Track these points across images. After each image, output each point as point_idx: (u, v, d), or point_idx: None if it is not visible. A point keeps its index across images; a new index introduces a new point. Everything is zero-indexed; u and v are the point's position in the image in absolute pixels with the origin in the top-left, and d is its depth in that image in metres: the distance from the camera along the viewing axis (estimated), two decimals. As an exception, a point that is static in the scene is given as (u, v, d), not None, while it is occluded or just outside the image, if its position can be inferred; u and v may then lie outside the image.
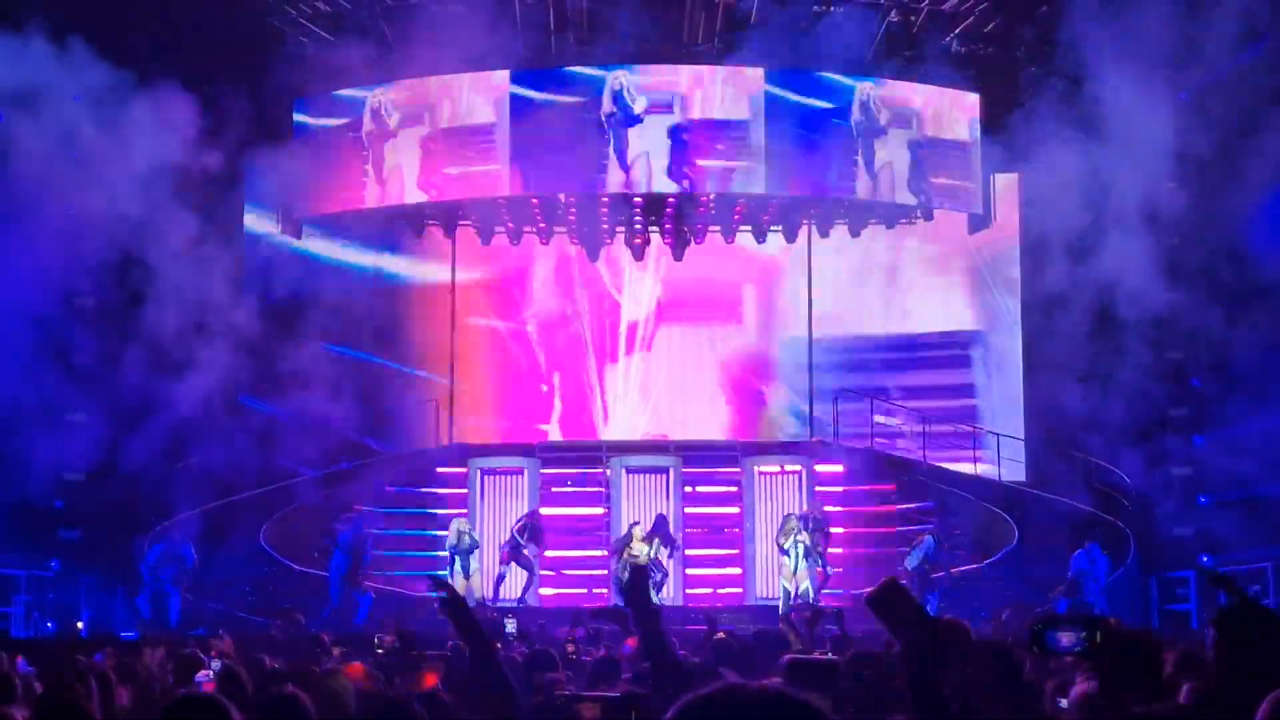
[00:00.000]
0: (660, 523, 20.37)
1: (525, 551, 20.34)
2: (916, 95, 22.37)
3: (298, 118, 22.65)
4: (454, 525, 20.52)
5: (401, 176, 22.32)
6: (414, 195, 22.48)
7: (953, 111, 22.46)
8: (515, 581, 20.65)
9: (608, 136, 21.75)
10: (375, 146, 22.32)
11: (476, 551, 20.41)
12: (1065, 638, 4.49)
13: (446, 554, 20.37)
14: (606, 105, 21.78)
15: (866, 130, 22.01)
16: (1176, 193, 20.95)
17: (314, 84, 22.05)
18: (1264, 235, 19.09)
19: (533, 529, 20.51)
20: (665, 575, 20.04)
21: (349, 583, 19.93)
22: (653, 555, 19.69)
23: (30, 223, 18.29)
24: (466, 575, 19.98)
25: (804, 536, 19.79)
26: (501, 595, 20.33)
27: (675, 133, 21.85)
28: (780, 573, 20.02)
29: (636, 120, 21.73)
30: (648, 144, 21.79)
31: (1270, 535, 19.15)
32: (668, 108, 21.86)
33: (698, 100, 21.94)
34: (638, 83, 21.88)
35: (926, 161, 22.33)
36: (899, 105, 22.29)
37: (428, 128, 22.10)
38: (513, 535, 20.51)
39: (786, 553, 19.80)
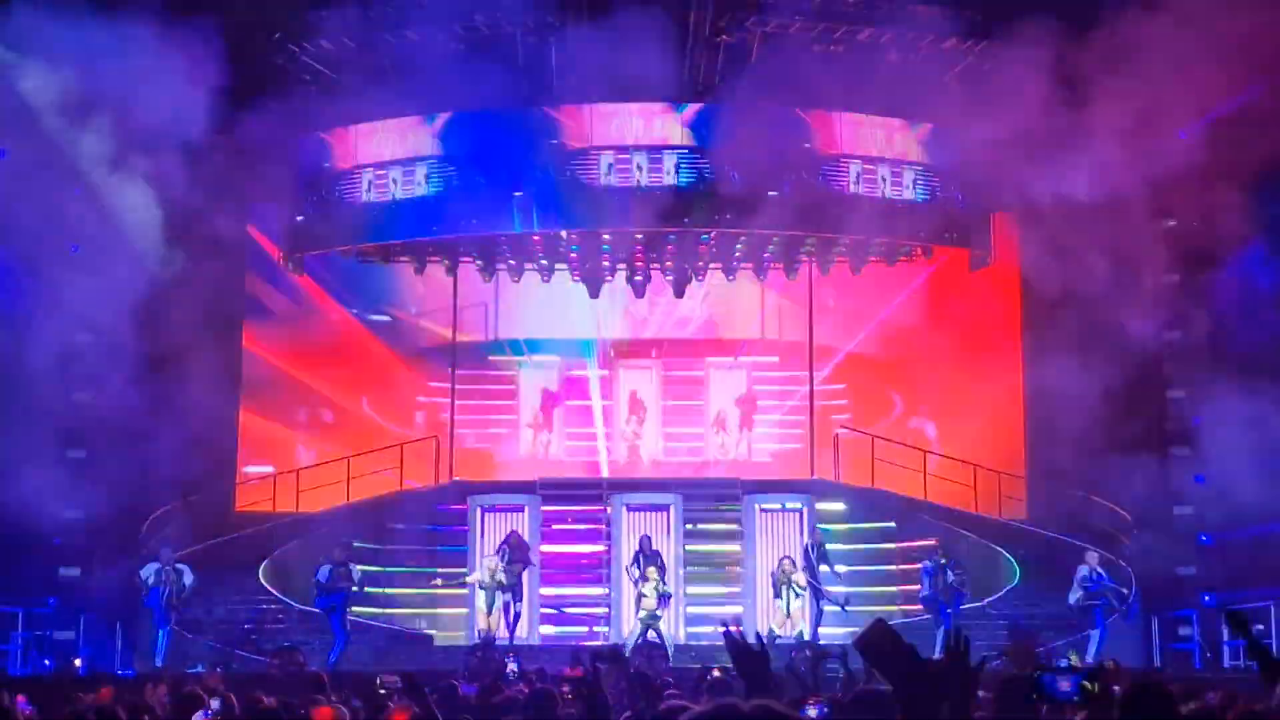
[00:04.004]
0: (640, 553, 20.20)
1: (513, 574, 20.04)
2: (917, 131, 22.43)
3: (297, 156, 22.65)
4: (486, 563, 20.24)
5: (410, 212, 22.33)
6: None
7: (950, 148, 22.45)
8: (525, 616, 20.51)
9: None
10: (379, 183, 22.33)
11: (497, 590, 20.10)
12: (1062, 684, 4.49)
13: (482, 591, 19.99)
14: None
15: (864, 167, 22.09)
16: (1176, 230, 21.03)
17: (315, 122, 22.07)
18: (1260, 275, 19.15)
19: (516, 550, 20.26)
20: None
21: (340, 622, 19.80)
22: (660, 589, 19.57)
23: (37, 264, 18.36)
24: (489, 612, 19.79)
25: (799, 576, 19.74)
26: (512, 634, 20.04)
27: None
28: (774, 616, 19.98)
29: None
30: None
31: (1272, 574, 19.07)
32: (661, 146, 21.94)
33: (693, 136, 21.99)
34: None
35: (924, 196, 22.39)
36: (899, 141, 22.37)
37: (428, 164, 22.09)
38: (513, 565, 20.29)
39: (779, 596, 19.80)
